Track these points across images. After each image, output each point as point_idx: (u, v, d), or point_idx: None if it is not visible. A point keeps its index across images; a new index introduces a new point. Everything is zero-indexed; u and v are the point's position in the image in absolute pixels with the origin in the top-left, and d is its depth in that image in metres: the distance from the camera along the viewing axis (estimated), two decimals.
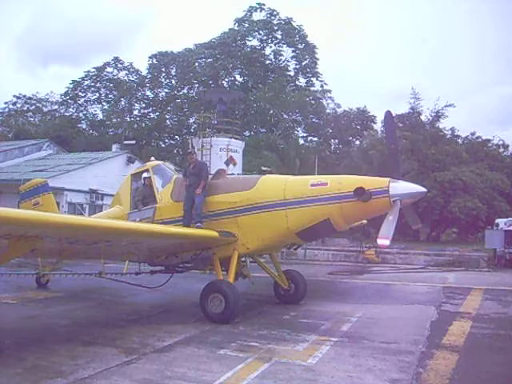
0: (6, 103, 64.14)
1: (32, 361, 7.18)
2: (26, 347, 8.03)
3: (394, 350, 8.17)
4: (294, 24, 52.08)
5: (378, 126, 50.82)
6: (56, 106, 63.54)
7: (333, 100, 53.83)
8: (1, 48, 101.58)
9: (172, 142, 57.25)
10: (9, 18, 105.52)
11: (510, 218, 29.94)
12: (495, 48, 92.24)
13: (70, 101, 60.30)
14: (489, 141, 46.75)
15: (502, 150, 47.37)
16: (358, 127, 52.62)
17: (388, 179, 10.22)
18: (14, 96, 63.88)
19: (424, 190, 10.67)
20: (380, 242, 9.99)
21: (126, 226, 9.52)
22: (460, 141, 46.89)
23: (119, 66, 59.65)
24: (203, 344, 8.38)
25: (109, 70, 59.58)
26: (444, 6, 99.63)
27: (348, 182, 10.45)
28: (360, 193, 10.03)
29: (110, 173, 31.78)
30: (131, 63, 59.51)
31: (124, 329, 9.58)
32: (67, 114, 60.87)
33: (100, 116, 60.61)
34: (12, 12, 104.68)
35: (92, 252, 10.43)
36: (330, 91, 53.52)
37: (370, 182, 10.33)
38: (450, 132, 46.32)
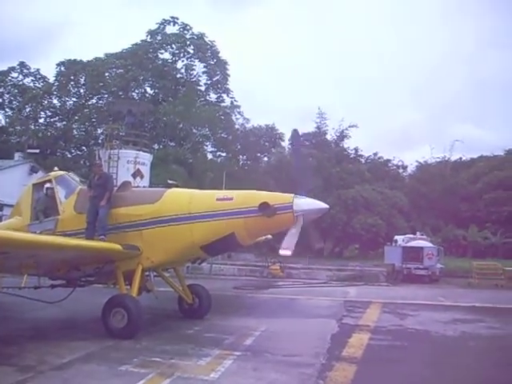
0: None
1: None
2: None
3: (295, 363, 8.39)
4: (207, 39, 52.36)
5: (286, 144, 52.02)
6: None
7: (242, 115, 54.50)
8: None
9: (79, 152, 55.57)
10: None
11: (407, 235, 31.51)
12: (399, 73, 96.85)
13: None
14: (389, 161, 49.10)
15: (401, 170, 49.91)
16: (267, 144, 53.48)
17: (292, 195, 10.48)
18: None
19: (326, 206, 11.01)
20: (282, 252, 10.28)
21: (24, 238, 9.20)
22: (363, 160, 48.86)
23: (25, 71, 57.40)
24: (104, 360, 8.22)
25: (14, 75, 57.19)
26: (352, 25, 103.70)
27: (253, 197, 10.63)
28: (264, 208, 10.23)
29: (12, 182, 30.39)
30: (38, 69, 57.43)
31: (21, 346, 9.20)
32: None
33: (3, 122, 58.00)
34: None
35: None
36: (239, 107, 54.19)
37: (275, 197, 10.56)
38: (353, 151, 48.22)
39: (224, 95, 54.36)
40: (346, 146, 48.12)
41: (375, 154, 49.40)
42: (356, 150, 48.31)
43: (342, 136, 47.63)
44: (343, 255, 43.88)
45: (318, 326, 12.31)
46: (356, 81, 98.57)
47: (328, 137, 48.62)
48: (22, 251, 9.08)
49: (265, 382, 7.21)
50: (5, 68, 57.12)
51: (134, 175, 27.37)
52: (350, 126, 46.79)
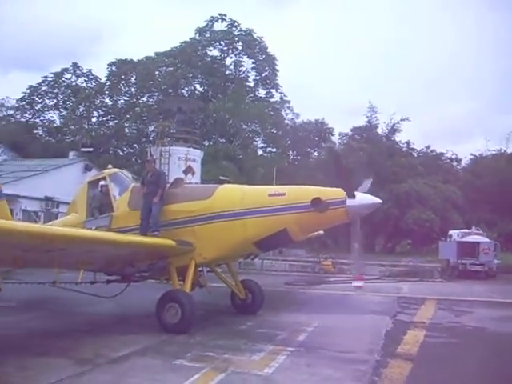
0: None
1: None
2: None
3: (349, 359, 8.27)
4: (255, 35, 52.34)
5: (336, 138, 51.63)
6: (11, 111, 62.20)
7: (291, 110, 54.40)
8: None
9: (130, 150, 56.61)
10: None
11: (462, 230, 30.77)
12: (451, 65, 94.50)
13: (26, 106, 59.10)
14: (442, 154, 47.99)
15: (455, 163, 48.71)
16: (316, 139, 53.25)
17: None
18: None
19: (379, 200, 10.84)
20: (356, 284, 10.33)
21: (81, 234, 9.38)
22: (415, 154, 47.97)
23: (78, 72, 58.80)
24: (159, 354, 8.30)
25: (67, 76, 58.68)
26: (402, 19, 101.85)
27: (305, 192, 10.55)
28: (317, 203, 10.13)
29: (67, 180, 31.12)
30: (90, 70, 58.75)
31: (78, 339, 9.39)
32: (23, 119, 59.63)
33: (57, 122, 59.60)
34: None
35: (46, 260, 10.22)
36: (288, 102, 54.07)
37: (327, 192, 10.44)
38: (405, 145, 47.41)
39: (273, 91, 54.32)
40: (397, 139, 47.41)
41: (427, 148, 48.43)
42: (408, 143, 47.54)
43: (394, 130, 46.91)
44: (395, 251, 43.26)
45: (372, 322, 12.15)
46: (407, 74, 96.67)
47: (379, 131, 47.97)
48: (79, 247, 9.26)
49: (318, 378, 7.14)
50: (58, 70, 58.72)
51: (185, 172, 27.55)
52: (401, 120, 46.08)
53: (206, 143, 47.04)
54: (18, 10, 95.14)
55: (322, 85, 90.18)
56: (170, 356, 8.17)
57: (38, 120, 59.60)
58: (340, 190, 10.33)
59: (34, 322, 11.32)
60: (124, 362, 7.81)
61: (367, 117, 47.54)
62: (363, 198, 10.38)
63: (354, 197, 10.12)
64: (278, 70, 53.17)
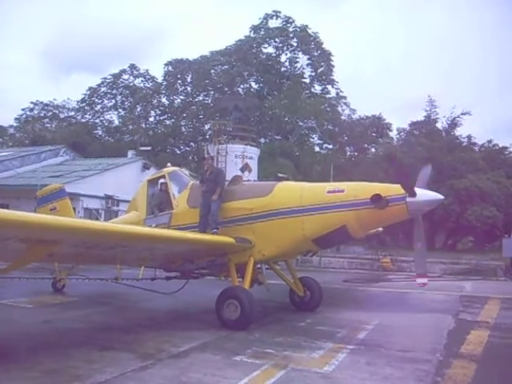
0: (23, 109, 65.06)
1: (48, 365, 7.18)
2: (41, 351, 8.06)
3: (410, 359, 8.09)
4: (310, 31, 52.06)
5: (394, 134, 50.78)
6: (72, 113, 64.21)
7: (348, 106, 53.94)
8: (25, 57, 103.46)
9: (187, 148, 57.51)
10: (33, 29, 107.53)
11: None
12: None
13: (86, 107, 60.85)
14: (506, 148, 46.38)
15: None
16: (374, 134, 52.58)
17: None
18: (31, 102, 64.83)
19: (441, 197, 10.56)
20: (420, 281, 10.16)
21: (143, 232, 9.55)
22: (476, 148, 46.62)
23: (135, 73, 60.24)
24: (219, 350, 8.35)
25: (125, 77, 60.16)
26: (462, 11, 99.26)
27: (365, 188, 10.39)
28: (377, 200, 9.96)
29: (126, 179, 31.99)
30: (147, 70, 60.08)
31: (140, 334, 9.57)
32: (83, 120, 61.45)
33: (116, 122, 61.14)
34: (36, 22, 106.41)
35: (108, 257, 10.48)
36: (345, 97, 53.62)
37: (387, 188, 10.25)
38: (466, 140, 46.13)
39: (329, 86, 53.95)
40: (457, 134, 46.18)
41: (489, 142, 46.89)
42: (469, 137, 46.16)
43: (454, 124, 45.73)
44: (456, 248, 42.20)
45: (433, 321, 11.85)
46: (467, 67, 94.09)
47: (438, 125, 46.84)
48: (140, 244, 9.43)
49: (379, 377, 7.02)
50: (116, 71, 60.20)
51: (242, 169, 27.71)
52: (462, 114, 44.84)
53: (262, 140, 47.18)
54: (75, 13, 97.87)
55: (380, 79, 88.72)
56: (230, 352, 8.20)
57: (97, 120, 61.40)
58: (400, 186, 10.12)
59: (97, 317, 11.59)
60: (185, 357, 7.89)
61: (426, 111, 46.48)
62: (424, 194, 10.13)
63: (414, 195, 9.90)
64: (333, 66, 52.84)
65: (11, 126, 67.15)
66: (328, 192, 10.60)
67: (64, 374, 6.76)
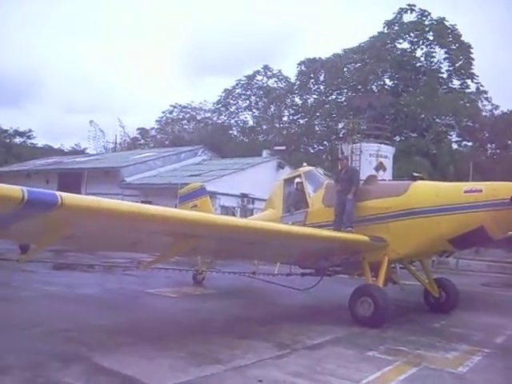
0: (163, 112, 69.17)
1: (192, 348, 7.82)
2: (186, 335, 8.78)
3: None
4: (447, 24, 50.03)
5: None
6: (209, 114, 67.12)
7: (490, 101, 51.24)
8: (164, 63, 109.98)
9: (321, 147, 57.76)
10: (171, 34, 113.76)
11: None
12: None
13: (221, 108, 63.25)
14: None
15: None
16: None
17: None
18: (171, 105, 68.75)
19: None
20: None
21: (281, 228, 10.05)
22: None
23: (268, 73, 61.72)
24: (352, 345, 8.60)
25: (258, 78, 61.84)
26: None
27: (504, 188, 10.10)
28: None
29: (261, 178, 32.82)
30: (280, 70, 61.27)
31: (276, 326, 10.04)
32: (219, 121, 63.96)
33: (250, 123, 62.99)
34: (172, 27, 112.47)
35: (247, 253, 11.12)
36: (486, 92, 51.00)
37: None
38: None
39: (468, 81, 51.50)
40: None
41: None
42: None
43: None
44: None
45: None
46: None
47: None
48: (277, 241, 9.89)
49: None
50: (250, 72, 61.98)
51: (377, 168, 27.59)
52: None
53: (397, 138, 46.30)
54: (209, 18, 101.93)
55: None
56: (363, 347, 8.41)
57: (232, 121, 63.59)
58: None
59: (235, 308, 12.23)
60: (319, 349, 8.23)
61: None
62: None
63: None
64: (473, 59, 50.14)
65: (152, 128, 71.79)
66: (465, 192, 10.44)
67: (207, 357, 7.35)
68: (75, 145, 72.81)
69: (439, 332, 10.18)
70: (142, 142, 71.44)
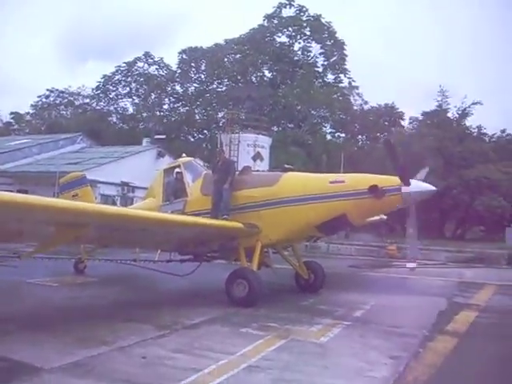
0: (39, 96, 66.29)
1: (78, 333, 8.17)
2: (71, 322, 9.07)
3: (399, 333, 9.00)
4: (323, 20, 52.39)
5: (407, 123, 51.16)
6: (87, 100, 65.22)
7: (360, 96, 54.37)
8: (41, 45, 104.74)
9: (201, 136, 58.20)
10: (50, 16, 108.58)
11: None
12: None
13: (101, 95, 61.72)
14: None
15: None
16: (386, 123, 52.96)
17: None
18: (47, 89, 65.96)
19: (433, 188, 11.37)
20: (410, 266, 11.10)
21: (160, 217, 10.56)
22: (487, 139, 46.83)
23: (150, 60, 60.87)
24: (227, 323, 9.34)
25: (139, 64, 60.87)
26: (473, 4, 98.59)
27: (363, 180, 11.26)
28: (374, 190, 10.84)
29: (141, 166, 32.87)
30: (161, 58, 60.71)
31: (157, 309, 10.54)
32: (98, 107, 62.38)
33: (130, 110, 62.04)
34: (52, 8, 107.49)
35: (128, 240, 11.51)
36: (357, 87, 54.05)
37: (384, 180, 11.09)
38: (476, 130, 46.34)
39: (342, 75, 54.24)
40: (468, 124, 46.38)
41: (503, 131, 46.61)
42: (479, 128, 46.29)
43: (464, 114, 45.95)
44: (465, 237, 42.69)
45: (427, 303, 12.72)
46: (479, 56, 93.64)
47: (449, 115, 47.04)
48: (157, 228, 10.42)
49: (369, 347, 7.91)
50: (131, 59, 60.96)
51: (254, 158, 28.60)
52: (473, 104, 44.94)
53: (275, 129, 47.84)
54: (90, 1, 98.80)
55: (395, 69, 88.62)
56: (237, 325, 9.18)
57: (112, 108, 62.22)
58: (396, 178, 10.98)
59: (117, 295, 12.61)
60: (197, 328, 8.89)
61: (438, 101, 46.71)
62: (418, 185, 10.99)
63: (409, 184, 10.77)
64: (346, 55, 53.06)
65: (28, 113, 68.62)
66: (330, 182, 11.49)
67: (93, 341, 7.72)
68: None
69: (306, 309, 11.18)
70: (16, 127, 67.98)
